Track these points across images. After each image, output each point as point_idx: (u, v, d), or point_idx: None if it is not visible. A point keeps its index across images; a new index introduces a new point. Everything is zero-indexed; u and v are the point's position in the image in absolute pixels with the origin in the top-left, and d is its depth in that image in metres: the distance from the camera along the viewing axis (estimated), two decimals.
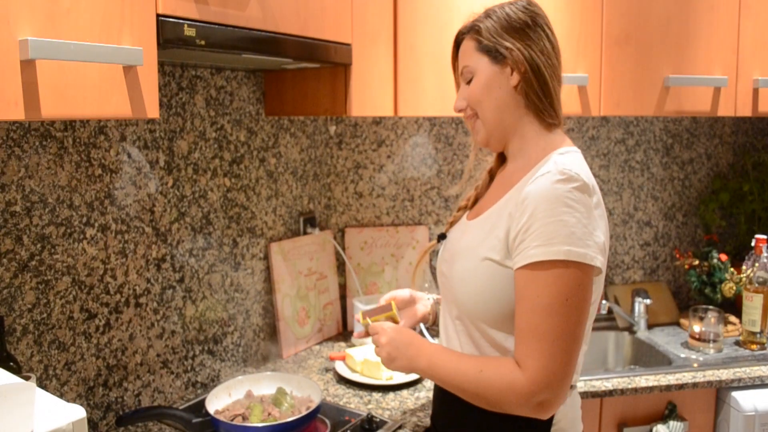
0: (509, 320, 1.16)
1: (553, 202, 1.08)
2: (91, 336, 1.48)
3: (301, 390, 1.62)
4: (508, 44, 1.18)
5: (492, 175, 1.37)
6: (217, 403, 1.56)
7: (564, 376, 1.09)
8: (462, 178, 1.55)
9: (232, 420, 1.47)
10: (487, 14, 1.23)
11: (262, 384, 1.66)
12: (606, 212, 1.18)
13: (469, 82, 1.24)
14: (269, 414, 1.51)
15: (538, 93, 1.19)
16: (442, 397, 1.30)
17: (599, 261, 1.09)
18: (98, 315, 1.49)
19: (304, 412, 1.47)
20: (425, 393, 1.76)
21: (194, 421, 1.46)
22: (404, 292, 1.51)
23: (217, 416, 1.47)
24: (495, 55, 1.20)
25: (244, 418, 1.49)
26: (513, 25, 1.19)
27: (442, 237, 1.39)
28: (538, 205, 1.08)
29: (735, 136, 2.58)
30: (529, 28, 1.20)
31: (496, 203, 1.23)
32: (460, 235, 1.29)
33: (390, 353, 1.27)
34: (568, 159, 1.15)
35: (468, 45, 1.24)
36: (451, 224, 1.39)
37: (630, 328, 2.32)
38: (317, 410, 1.51)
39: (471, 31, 1.24)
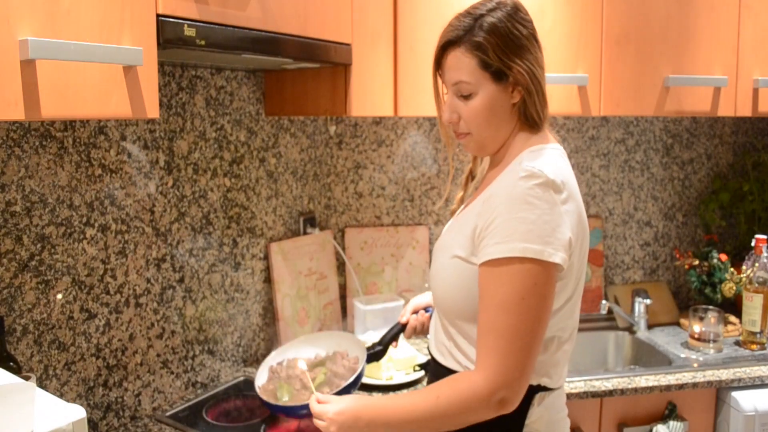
0: (476, 316, 1.17)
1: (514, 199, 1.09)
2: (91, 336, 1.48)
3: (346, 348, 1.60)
4: (513, 65, 1.15)
5: (472, 176, 1.39)
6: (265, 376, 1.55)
7: (521, 374, 1.09)
8: (446, 185, 1.55)
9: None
10: (482, 26, 1.16)
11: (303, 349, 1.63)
12: (581, 209, 1.17)
13: (465, 97, 1.19)
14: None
15: (537, 106, 1.19)
16: None
17: (560, 257, 1.08)
18: (98, 315, 1.49)
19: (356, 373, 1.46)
20: None
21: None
22: (425, 299, 1.53)
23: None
24: (500, 75, 1.16)
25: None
26: (516, 42, 1.16)
27: None
28: (500, 203, 1.10)
29: (735, 136, 2.58)
30: (528, 41, 1.18)
31: (471, 203, 1.25)
32: (443, 234, 1.32)
33: None
34: (535, 156, 1.16)
35: (466, 60, 1.17)
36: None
37: (630, 328, 2.32)
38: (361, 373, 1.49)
39: (467, 44, 1.17)
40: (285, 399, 1.45)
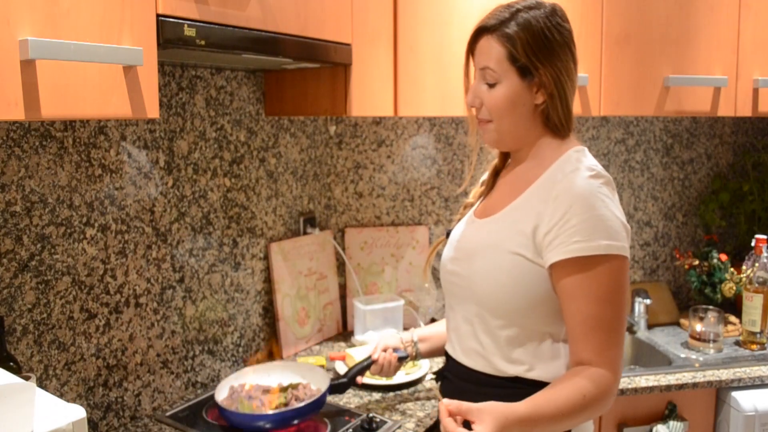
0: (532, 313, 1.18)
1: (588, 197, 1.12)
2: (91, 336, 1.48)
3: (314, 381, 1.65)
4: (540, 66, 1.18)
5: (497, 173, 1.38)
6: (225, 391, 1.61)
7: (622, 368, 1.16)
8: (465, 180, 1.56)
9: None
10: (517, 20, 1.18)
11: (272, 376, 1.69)
12: None
13: (490, 86, 1.22)
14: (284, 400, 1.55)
15: (560, 112, 1.21)
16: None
17: (628, 251, 1.16)
18: (98, 315, 1.49)
19: (313, 397, 1.51)
20: (425, 393, 1.76)
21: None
22: (393, 341, 1.56)
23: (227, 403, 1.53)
24: (525, 71, 1.19)
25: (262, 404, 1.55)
26: (548, 45, 1.18)
27: (450, 233, 1.41)
28: (574, 202, 1.12)
29: (735, 136, 2.58)
30: (560, 47, 1.19)
31: (514, 201, 1.24)
32: (474, 234, 1.29)
33: None
34: (585, 157, 1.20)
35: (495, 48, 1.20)
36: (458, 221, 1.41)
37: (630, 328, 2.31)
38: (323, 398, 1.54)
39: (499, 33, 1.19)
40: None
